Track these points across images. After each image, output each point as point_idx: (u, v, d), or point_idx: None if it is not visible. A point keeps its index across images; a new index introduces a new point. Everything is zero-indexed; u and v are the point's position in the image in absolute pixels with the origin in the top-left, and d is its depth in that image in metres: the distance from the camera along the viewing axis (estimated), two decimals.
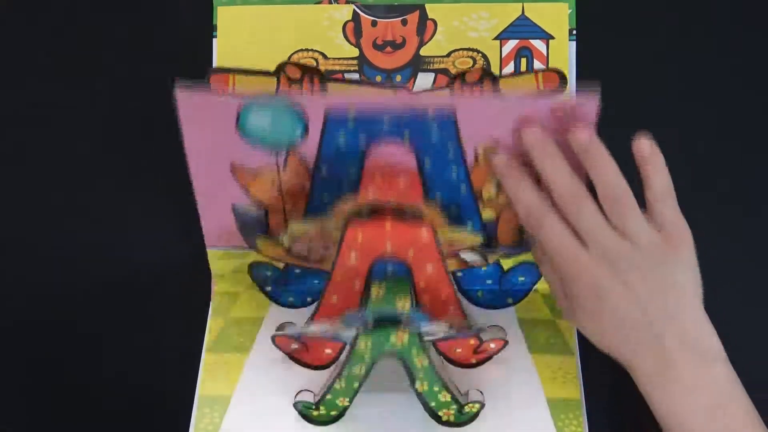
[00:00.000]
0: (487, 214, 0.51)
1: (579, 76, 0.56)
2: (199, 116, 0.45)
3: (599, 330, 0.44)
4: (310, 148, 0.47)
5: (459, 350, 0.52)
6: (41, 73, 0.59)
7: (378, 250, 0.48)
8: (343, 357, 0.50)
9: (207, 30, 0.56)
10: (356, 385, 0.49)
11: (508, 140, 0.45)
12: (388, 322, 0.46)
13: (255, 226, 0.52)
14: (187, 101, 0.44)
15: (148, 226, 0.58)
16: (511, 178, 0.45)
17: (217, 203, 0.50)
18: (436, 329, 0.48)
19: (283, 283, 0.56)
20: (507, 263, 0.55)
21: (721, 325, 0.43)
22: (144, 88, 0.58)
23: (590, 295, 0.42)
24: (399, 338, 0.47)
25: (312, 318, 0.50)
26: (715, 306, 0.43)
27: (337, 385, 0.48)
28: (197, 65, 0.55)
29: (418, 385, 0.49)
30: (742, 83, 0.60)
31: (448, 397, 0.49)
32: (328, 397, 0.49)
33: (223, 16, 0.57)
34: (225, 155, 0.48)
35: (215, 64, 0.56)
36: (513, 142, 0.45)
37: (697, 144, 0.58)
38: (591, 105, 0.43)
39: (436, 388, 0.49)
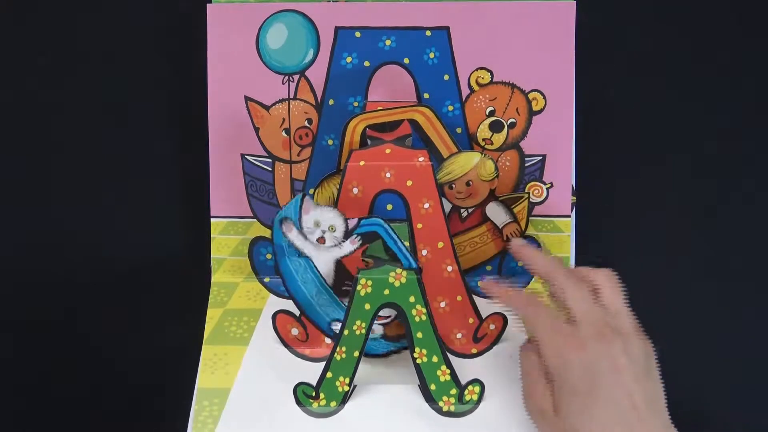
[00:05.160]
0: None
1: None
2: (225, 30, 0.53)
3: (588, 418, 0.41)
4: (319, 72, 0.54)
5: (460, 336, 0.51)
6: (39, 72, 0.59)
7: (378, 178, 0.50)
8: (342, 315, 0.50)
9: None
10: (356, 353, 0.48)
11: None
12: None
13: (261, 186, 0.55)
14: (217, 12, 0.52)
15: (146, 220, 0.58)
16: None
17: (228, 151, 0.55)
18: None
19: None
20: None
21: None
22: (142, 86, 0.59)
23: (584, 375, 0.41)
24: (397, 277, 0.47)
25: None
26: None
27: (337, 355, 0.48)
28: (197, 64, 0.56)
29: (416, 353, 0.49)
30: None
31: (448, 374, 0.49)
32: (329, 375, 0.49)
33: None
34: (243, 80, 0.54)
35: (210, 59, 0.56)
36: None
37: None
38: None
39: (435, 359, 0.49)
